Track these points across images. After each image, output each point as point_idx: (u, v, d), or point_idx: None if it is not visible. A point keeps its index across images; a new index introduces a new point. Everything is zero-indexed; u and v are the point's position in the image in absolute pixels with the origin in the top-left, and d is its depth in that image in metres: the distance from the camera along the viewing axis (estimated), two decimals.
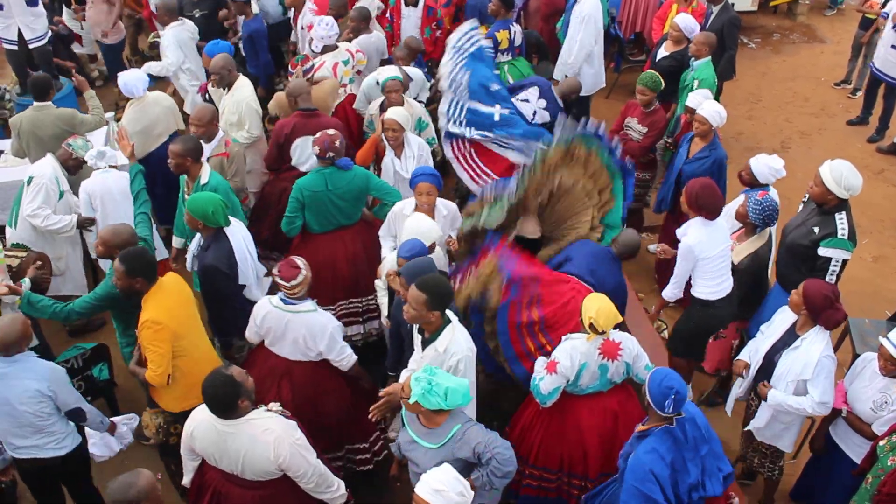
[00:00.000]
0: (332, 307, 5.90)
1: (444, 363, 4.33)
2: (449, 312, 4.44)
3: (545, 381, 4.57)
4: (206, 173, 5.68)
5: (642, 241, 7.66)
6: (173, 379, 4.69)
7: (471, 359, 4.42)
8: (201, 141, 5.97)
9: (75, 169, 6.30)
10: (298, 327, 4.79)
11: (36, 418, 4.52)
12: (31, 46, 8.68)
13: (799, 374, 4.67)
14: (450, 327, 4.40)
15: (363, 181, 5.88)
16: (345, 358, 4.96)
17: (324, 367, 5.00)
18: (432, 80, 8.05)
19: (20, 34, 8.60)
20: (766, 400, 4.87)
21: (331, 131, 5.76)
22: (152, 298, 4.67)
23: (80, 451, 4.84)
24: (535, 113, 7.00)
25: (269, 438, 3.98)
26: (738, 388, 5.24)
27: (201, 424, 4.07)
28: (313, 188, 5.74)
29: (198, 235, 5.38)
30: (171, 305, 4.70)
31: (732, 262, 5.67)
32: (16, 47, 8.69)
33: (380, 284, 5.61)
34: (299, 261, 4.82)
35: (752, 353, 5.10)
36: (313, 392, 5.02)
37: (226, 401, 3.92)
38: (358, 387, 5.22)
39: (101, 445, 4.93)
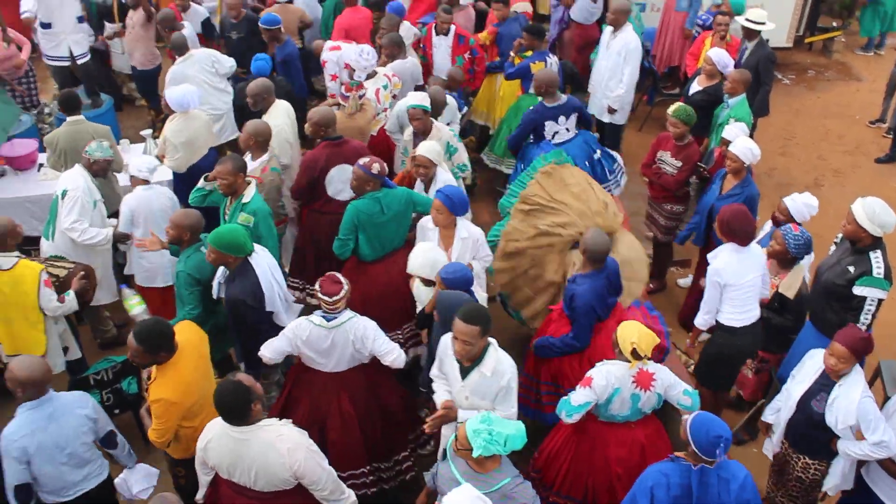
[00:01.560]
0: (398, 331, 5.92)
1: (493, 385, 4.39)
2: None
3: (576, 393, 4.58)
4: (250, 193, 5.69)
5: (672, 275, 7.69)
6: (179, 435, 4.63)
7: (515, 374, 4.48)
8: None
9: (102, 172, 6.39)
10: (346, 337, 4.83)
11: (84, 448, 4.54)
12: (78, 62, 8.84)
13: (845, 421, 4.60)
14: (492, 348, 4.43)
15: (408, 197, 5.96)
16: (398, 355, 4.93)
17: (372, 367, 5.05)
18: (465, 109, 8.11)
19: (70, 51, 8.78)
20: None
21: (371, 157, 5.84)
22: (170, 371, 4.48)
23: (110, 477, 4.85)
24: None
25: (284, 446, 3.99)
26: (772, 443, 5.17)
27: (216, 435, 4.08)
28: (369, 211, 5.74)
29: None
30: (188, 380, 4.52)
31: (786, 296, 5.64)
32: (66, 63, 8.85)
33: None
34: (339, 276, 4.85)
35: (784, 399, 5.04)
36: (372, 394, 5.09)
37: (239, 407, 3.96)
38: (399, 398, 5.29)
39: (140, 479, 4.91)
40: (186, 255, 5.32)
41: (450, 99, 7.45)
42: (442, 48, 8.49)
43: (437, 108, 6.97)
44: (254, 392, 4.00)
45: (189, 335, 4.68)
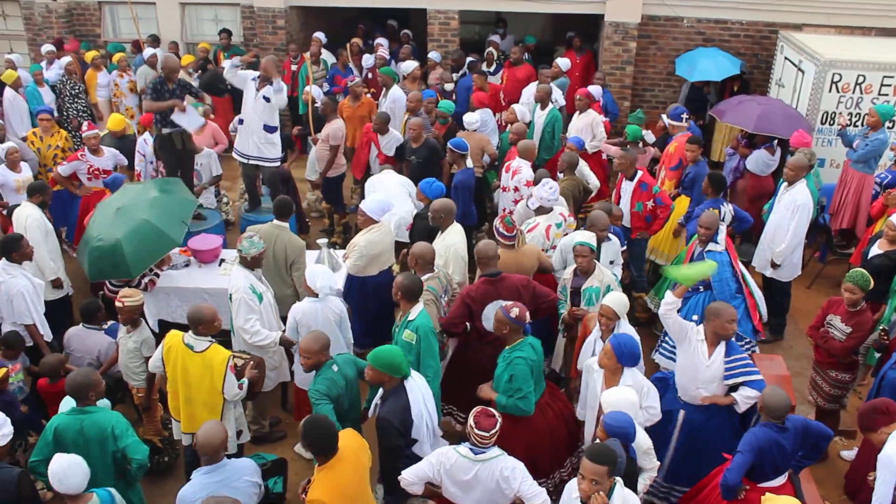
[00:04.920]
0: (562, 469, 5.92)
1: None
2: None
3: None
4: (416, 310, 5.93)
5: (835, 445, 7.26)
6: None
7: None
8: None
9: (255, 263, 6.64)
10: (490, 473, 4.83)
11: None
12: (259, 166, 9.45)
13: None
14: (618, 486, 4.43)
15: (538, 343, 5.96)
16: (544, 500, 4.86)
17: None
18: (625, 245, 8.11)
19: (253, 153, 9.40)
20: None
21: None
22: (326, 472, 4.70)
23: None
24: None
25: None
26: None
27: None
28: (533, 357, 5.75)
29: None
30: (344, 485, 4.71)
31: None
32: (247, 162, 9.48)
33: None
34: (494, 410, 4.91)
35: None
36: None
37: None
38: None
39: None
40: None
41: (612, 237, 7.49)
42: (628, 193, 8.49)
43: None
44: None
45: (351, 442, 4.89)
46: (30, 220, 7.82)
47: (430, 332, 5.87)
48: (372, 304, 7.14)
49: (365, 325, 7.02)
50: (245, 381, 5.99)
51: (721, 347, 5.75)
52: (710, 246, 7.38)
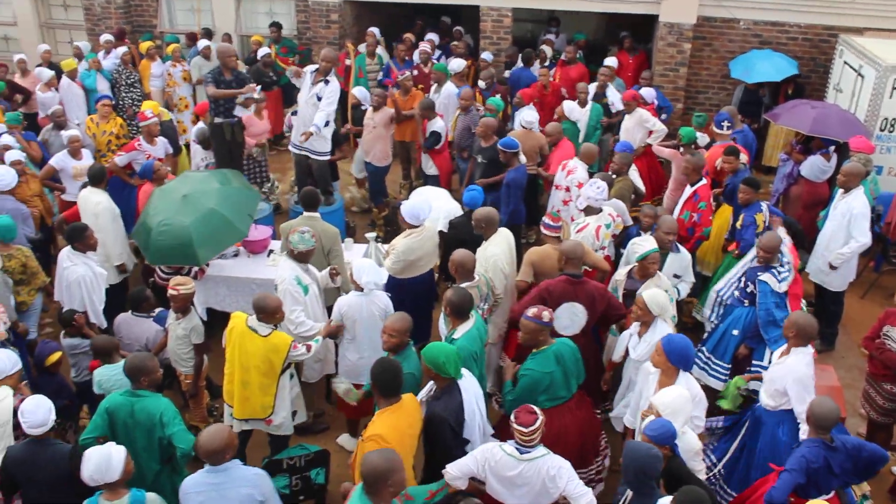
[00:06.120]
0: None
1: None
2: None
3: None
4: (462, 330, 5.81)
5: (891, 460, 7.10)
6: None
7: None
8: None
9: (304, 258, 6.67)
10: (535, 473, 4.80)
11: None
12: (309, 158, 9.53)
13: None
14: None
15: (576, 350, 5.85)
16: (591, 500, 4.81)
17: None
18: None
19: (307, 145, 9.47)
20: None
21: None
22: (389, 415, 4.94)
23: None
24: None
25: None
26: None
27: None
28: (548, 369, 5.66)
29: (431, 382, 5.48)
30: (403, 428, 4.93)
31: None
32: (301, 153, 9.62)
33: None
34: (535, 408, 4.89)
35: None
36: None
37: None
38: None
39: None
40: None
41: (684, 251, 7.35)
42: (685, 197, 8.33)
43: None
44: None
45: (413, 403, 5.18)
46: (100, 206, 8.04)
47: (468, 357, 5.74)
48: (409, 301, 7.08)
49: None
50: (320, 338, 6.29)
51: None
52: (766, 276, 6.95)
